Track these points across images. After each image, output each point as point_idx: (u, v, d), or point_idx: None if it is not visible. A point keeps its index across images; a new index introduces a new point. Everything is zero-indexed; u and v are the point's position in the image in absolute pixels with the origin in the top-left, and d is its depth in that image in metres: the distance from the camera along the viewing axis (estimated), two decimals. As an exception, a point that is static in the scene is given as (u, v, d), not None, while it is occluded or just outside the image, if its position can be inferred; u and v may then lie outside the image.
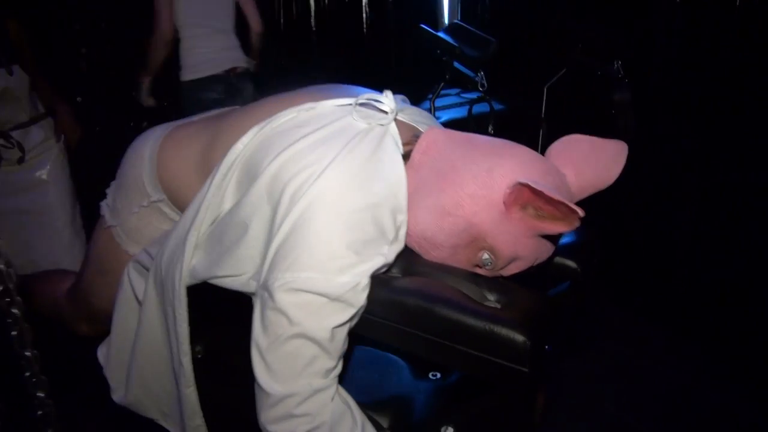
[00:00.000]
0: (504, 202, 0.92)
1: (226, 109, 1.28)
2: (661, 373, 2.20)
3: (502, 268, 0.99)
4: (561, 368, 2.05)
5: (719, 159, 2.18)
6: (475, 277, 0.95)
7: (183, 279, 1.03)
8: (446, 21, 3.42)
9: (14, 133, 2.16)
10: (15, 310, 1.17)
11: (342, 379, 0.94)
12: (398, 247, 0.97)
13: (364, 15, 3.46)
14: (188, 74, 2.72)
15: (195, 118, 1.29)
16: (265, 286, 0.90)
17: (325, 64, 3.66)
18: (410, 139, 1.04)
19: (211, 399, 1.13)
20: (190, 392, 1.12)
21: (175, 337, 1.08)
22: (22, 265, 1.96)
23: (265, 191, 0.96)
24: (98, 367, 1.23)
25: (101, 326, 1.33)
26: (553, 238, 0.98)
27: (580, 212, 0.83)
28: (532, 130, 2.54)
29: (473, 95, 2.85)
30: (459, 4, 3.31)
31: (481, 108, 2.41)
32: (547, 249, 0.99)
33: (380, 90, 1.09)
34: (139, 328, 1.14)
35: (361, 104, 1.06)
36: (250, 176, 1.00)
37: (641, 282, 2.55)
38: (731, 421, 2.00)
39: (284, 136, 0.99)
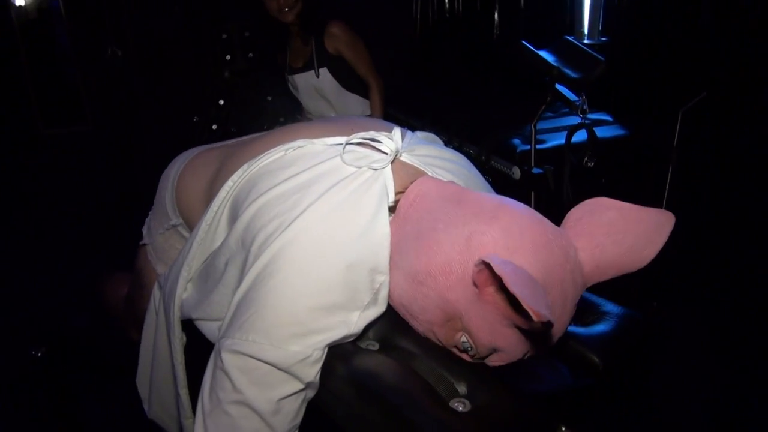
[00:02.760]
0: (473, 281, 0.75)
1: (252, 135, 1.24)
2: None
3: (484, 357, 0.82)
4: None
5: None
6: (450, 364, 0.80)
7: (176, 314, 1.02)
8: (586, 33, 3.11)
9: None
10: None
11: None
12: (375, 311, 0.85)
13: (494, 22, 3.28)
14: None
15: (229, 142, 1.28)
16: (219, 343, 0.84)
17: (455, 73, 3.56)
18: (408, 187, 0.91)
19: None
20: (189, 423, 1.11)
21: (173, 368, 1.07)
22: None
23: (240, 237, 0.90)
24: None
25: None
26: (544, 333, 0.78)
27: (536, 316, 0.63)
28: (660, 162, 2.19)
29: (598, 116, 2.55)
30: (601, 16, 2.98)
31: (600, 133, 2.13)
32: (535, 344, 0.80)
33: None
34: (154, 347, 1.16)
35: (357, 143, 0.95)
36: (234, 217, 0.95)
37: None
38: None
39: (267, 177, 0.93)
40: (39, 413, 1.47)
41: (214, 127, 3.35)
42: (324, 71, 2.50)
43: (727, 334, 1.99)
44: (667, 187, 2.15)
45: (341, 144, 0.95)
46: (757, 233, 2.13)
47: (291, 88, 2.69)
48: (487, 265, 0.69)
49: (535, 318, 0.63)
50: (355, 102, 2.62)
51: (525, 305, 0.63)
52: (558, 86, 1.84)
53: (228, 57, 3.44)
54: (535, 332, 0.75)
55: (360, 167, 0.90)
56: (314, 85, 2.54)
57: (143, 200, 1.31)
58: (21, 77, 3.40)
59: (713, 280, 2.12)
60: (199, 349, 1.08)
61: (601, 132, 2.23)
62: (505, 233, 0.77)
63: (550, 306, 0.68)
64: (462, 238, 0.78)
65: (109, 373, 1.59)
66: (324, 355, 0.82)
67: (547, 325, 0.66)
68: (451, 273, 0.78)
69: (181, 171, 1.18)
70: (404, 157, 0.96)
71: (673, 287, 2.20)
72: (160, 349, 1.13)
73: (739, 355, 1.94)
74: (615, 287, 0.88)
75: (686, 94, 2.10)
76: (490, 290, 0.74)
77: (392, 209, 0.89)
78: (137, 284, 1.35)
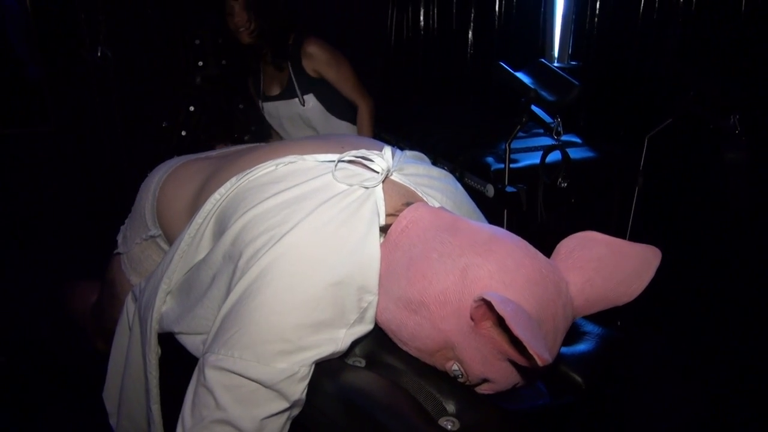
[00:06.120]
0: (470, 316, 0.75)
1: (239, 147, 1.23)
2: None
3: (474, 385, 0.83)
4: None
5: None
6: (437, 382, 0.80)
7: (153, 327, 0.99)
8: (556, 57, 3.20)
9: None
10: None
11: None
12: (362, 329, 0.85)
13: (468, 42, 3.34)
14: None
15: (213, 153, 1.26)
16: (203, 358, 0.82)
17: (428, 89, 3.61)
18: (400, 207, 0.91)
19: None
20: None
21: (147, 382, 1.04)
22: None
23: (227, 251, 0.89)
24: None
25: None
26: (536, 368, 0.79)
27: (540, 360, 0.64)
28: (627, 184, 2.26)
29: (567, 137, 2.61)
30: (571, 40, 3.07)
31: (570, 154, 2.18)
32: (526, 376, 0.81)
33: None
34: (126, 360, 1.12)
35: (349, 161, 0.96)
36: (220, 230, 0.93)
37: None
38: None
39: (257, 191, 0.92)
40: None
41: (184, 133, 3.28)
42: (310, 98, 2.24)
43: (691, 354, 2.05)
44: (633, 209, 2.22)
45: (333, 161, 0.95)
46: (717, 256, 2.22)
47: (266, 116, 2.43)
48: (486, 302, 0.70)
49: (539, 362, 0.63)
50: (346, 130, 2.38)
51: (530, 350, 0.64)
52: (533, 107, 1.89)
53: (200, 63, 3.39)
54: (528, 366, 0.75)
55: (351, 185, 0.90)
56: (299, 113, 2.28)
57: (106, 204, 1.27)
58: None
59: (675, 301, 2.19)
60: (172, 364, 1.05)
61: (570, 153, 2.28)
62: (501, 267, 0.77)
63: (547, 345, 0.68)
64: (457, 270, 0.78)
65: (72, 384, 1.53)
66: (311, 372, 0.81)
67: (540, 365, 0.67)
68: (446, 304, 0.77)
69: (164, 181, 1.16)
70: (394, 176, 0.97)
71: (635, 307, 2.26)
72: (132, 362, 1.10)
73: (703, 374, 2.01)
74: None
75: (652, 120, 2.17)
76: (487, 324, 0.74)
77: (383, 229, 0.89)
78: (108, 294, 1.31)
